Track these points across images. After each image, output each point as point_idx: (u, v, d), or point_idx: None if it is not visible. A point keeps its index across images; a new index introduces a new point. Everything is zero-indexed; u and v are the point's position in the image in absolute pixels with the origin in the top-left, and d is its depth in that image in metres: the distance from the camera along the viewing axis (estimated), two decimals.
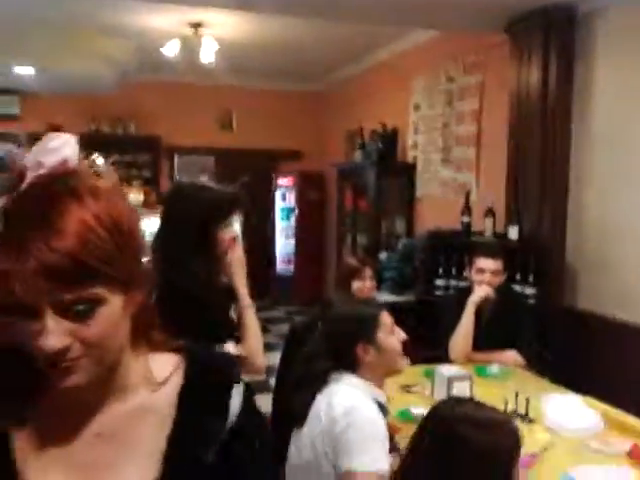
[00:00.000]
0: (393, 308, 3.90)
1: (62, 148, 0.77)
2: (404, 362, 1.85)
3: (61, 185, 0.69)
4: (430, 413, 1.33)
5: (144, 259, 0.76)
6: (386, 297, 4.08)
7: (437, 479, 1.24)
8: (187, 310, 1.49)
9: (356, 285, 2.89)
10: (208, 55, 5.09)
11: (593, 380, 3.05)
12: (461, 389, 2.20)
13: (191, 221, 1.79)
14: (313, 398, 1.71)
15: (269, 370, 2.23)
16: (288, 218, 7.30)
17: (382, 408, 1.71)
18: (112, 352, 0.71)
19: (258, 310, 1.96)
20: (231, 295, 1.86)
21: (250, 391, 0.82)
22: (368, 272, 2.92)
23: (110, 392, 0.75)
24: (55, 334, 0.65)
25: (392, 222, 5.33)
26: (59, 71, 5.37)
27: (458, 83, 4.62)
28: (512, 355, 2.74)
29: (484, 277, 2.81)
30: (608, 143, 3.33)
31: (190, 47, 5.01)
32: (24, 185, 0.70)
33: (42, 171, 0.71)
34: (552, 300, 3.39)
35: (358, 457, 1.56)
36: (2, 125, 6.12)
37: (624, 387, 2.80)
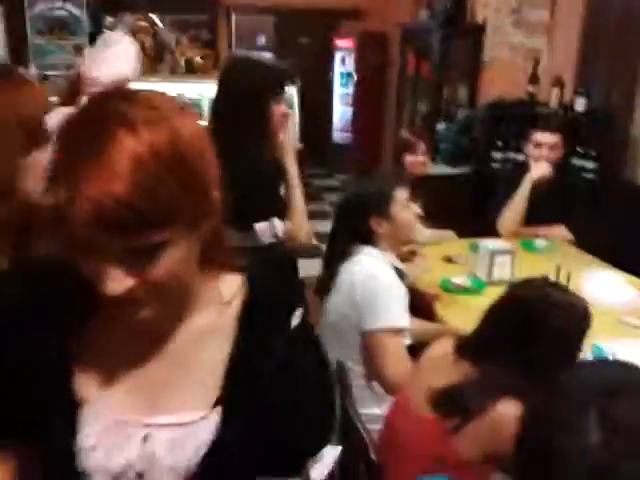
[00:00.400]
0: (447, 180, 3.99)
1: (118, 60, 0.72)
2: (417, 234, 2.00)
3: (112, 111, 0.61)
4: (506, 294, 1.40)
5: (215, 192, 0.68)
6: (441, 169, 4.05)
7: (514, 352, 1.30)
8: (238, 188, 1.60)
9: (409, 159, 2.90)
10: None
11: None
12: (503, 263, 2.27)
13: (245, 94, 1.84)
14: (336, 271, 1.86)
15: (323, 237, 2.36)
16: (347, 84, 7.09)
17: (399, 273, 1.86)
18: (181, 286, 0.68)
19: (314, 177, 2.07)
20: (280, 173, 1.95)
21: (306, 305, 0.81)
22: (422, 146, 2.90)
23: (178, 315, 0.74)
24: (116, 279, 0.61)
25: (455, 89, 5.11)
26: None
27: None
28: (560, 230, 2.75)
29: (541, 151, 2.75)
30: None
31: None
32: (81, 101, 0.65)
33: (96, 89, 0.66)
34: (613, 175, 3.28)
35: (379, 317, 1.73)
36: None
37: None
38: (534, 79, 3.65)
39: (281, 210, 1.91)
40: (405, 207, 1.88)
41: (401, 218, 1.86)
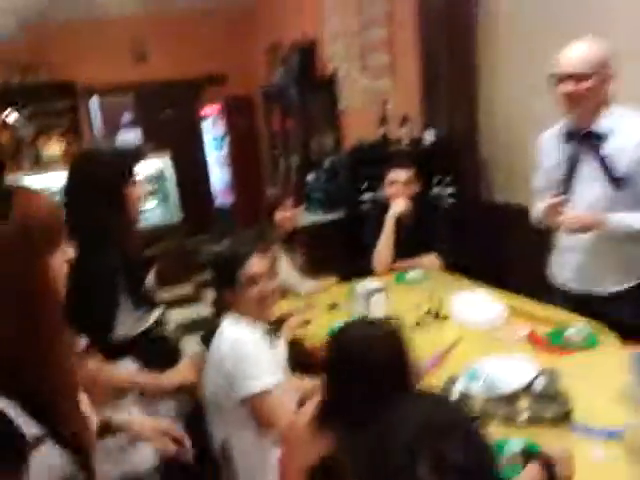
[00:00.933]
0: (322, 227, 4.07)
1: None
2: (268, 311, 1.89)
3: None
4: (326, 347, 1.38)
5: None
6: (315, 217, 4.14)
7: (340, 395, 1.30)
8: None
9: (278, 216, 2.94)
10: None
11: (511, 270, 3.23)
12: (378, 301, 2.31)
13: (93, 185, 1.78)
14: (207, 343, 1.83)
15: None
16: (221, 147, 7.15)
17: (272, 331, 1.86)
18: None
19: (201, 244, 2.05)
20: (150, 264, 1.91)
21: None
22: (288, 201, 2.96)
23: None
24: None
25: (321, 140, 5.30)
26: None
27: None
28: (429, 258, 2.86)
29: (397, 189, 2.88)
30: (514, 41, 3.31)
31: None
32: None
33: None
34: (469, 197, 3.50)
35: (251, 382, 1.69)
36: None
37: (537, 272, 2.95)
38: (384, 120, 3.86)
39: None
40: (253, 282, 1.80)
41: (248, 294, 1.81)
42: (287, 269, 2.85)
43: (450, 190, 3.43)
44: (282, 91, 5.49)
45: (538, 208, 2.19)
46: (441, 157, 3.47)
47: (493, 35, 3.43)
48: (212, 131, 7.13)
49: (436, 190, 3.41)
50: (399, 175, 2.88)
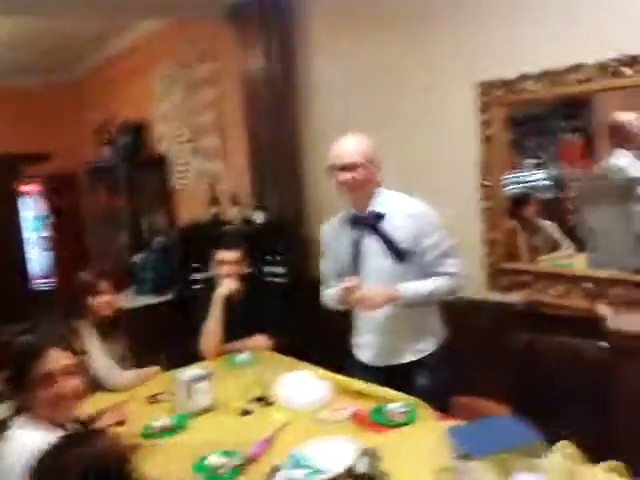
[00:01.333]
0: (151, 310, 3.85)
1: None
2: (68, 412, 1.66)
3: None
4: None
5: None
6: (145, 300, 3.91)
7: None
8: None
9: (94, 302, 2.67)
10: None
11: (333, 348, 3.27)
12: (202, 389, 2.17)
13: None
14: None
15: None
16: (42, 227, 6.60)
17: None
18: None
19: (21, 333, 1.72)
20: None
21: None
22: (104, 285, 2.71)
23: None
24: None
25: (151, 219, 5.13)
26: None
27: (196, 71, 4.55)
28: (259, 339, 2.80)
29: (225, 269, 2.82)
30: (333, 128, 3.53)
31: None
32: None
33: None
34: (298, 275, 3.55)
35: None
36: None
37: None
38: (215, 200, 3.85)
39: None
40: (49, 380, 1.57)
41: (42, 394, 1.56)
42: (101, 359, 2.58)
43: (280, 269, 3.45)
44: (110, 169, 5.28)
45: (329, 293, 2.34)
46: (271, 236, 3.51)
47: (313, 113, 3.63)
48: (32, 210, 6.58)
49: (269, 269, 3.41)
50: (226, 255, 2.83)
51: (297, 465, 1.64)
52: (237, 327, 2.82)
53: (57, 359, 1.59)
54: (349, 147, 2.19)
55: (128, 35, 5.26)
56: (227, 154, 4.38)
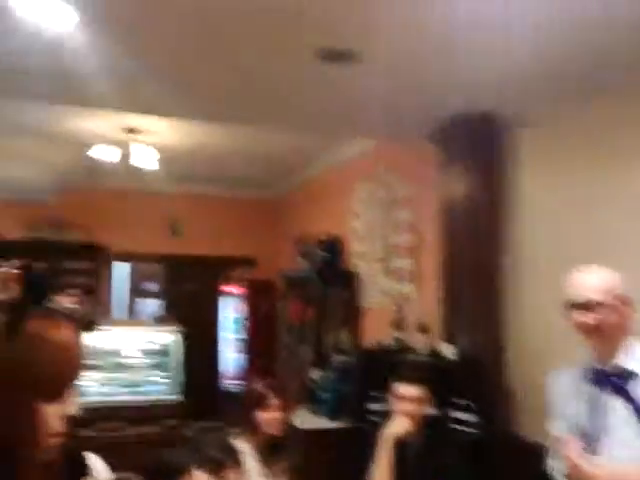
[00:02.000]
0: (323, 436, 3.59)
1: None
2: None
3: None
4: None
5: None
6: (319, 422, 3.67)
7: None
8: None
9: (263, 417, 2.51)
10: (150, 162, 5.01)
11: None
12: None
13: None
14: None
15: None
16: (239, 330, 6.90)
17: None
18: None
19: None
20: None
21: None
22: (275, 401, 2.54)
23: None
24: None
25: (337, 335, 5.01)
26: None
27: (394, 191, 4.53)
28: None
29: (403, 406, 2.48)
30: (542, 259, 3.15)
31: (127, 154, 4.92)
32: None
33: None
34: (495, 427, 3.03)
35: None
36: None
37: None
38: (400, 324, 3.59)
39: None
40: None
41: None
42: None
43: (471, 417, 2.98)
44: (304, 280, 5.38)
45: (556, 466, 1.86)
46: (462, 376, 3.09)
47: (519, 240, 3.28)
48: (233, 311, 6.97)
49: (453, 414, 2.97)
50: (407, 390, 2.49)
51: None
52: (412, 475, 2.43)
53: None
54: (593, 281, 1.82)
55: (331, 155, 5.57)
56: (418, 278, 4.16)
